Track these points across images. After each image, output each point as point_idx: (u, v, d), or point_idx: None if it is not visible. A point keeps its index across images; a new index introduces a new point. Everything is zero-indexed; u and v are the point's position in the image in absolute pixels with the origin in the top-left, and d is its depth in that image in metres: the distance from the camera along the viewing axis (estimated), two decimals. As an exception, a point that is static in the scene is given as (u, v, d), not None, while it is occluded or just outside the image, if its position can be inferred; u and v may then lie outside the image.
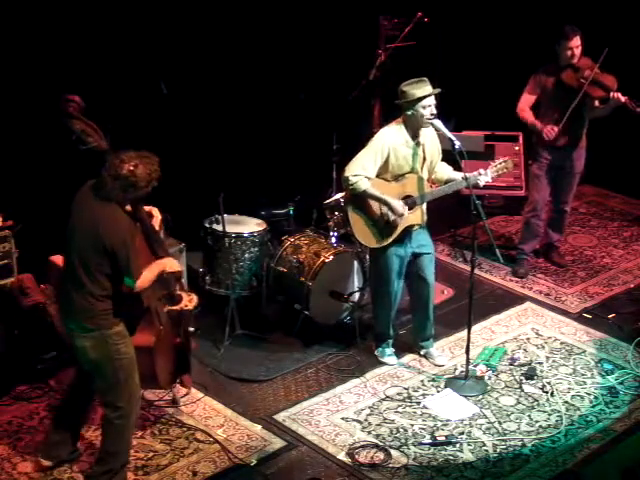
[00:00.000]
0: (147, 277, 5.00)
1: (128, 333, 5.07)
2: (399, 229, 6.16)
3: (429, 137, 6.18)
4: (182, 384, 5.90)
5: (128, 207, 4.98)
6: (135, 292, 4.97)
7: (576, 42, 7.12)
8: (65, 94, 5.10)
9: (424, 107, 5.96)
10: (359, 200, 6.14)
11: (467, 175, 6.08)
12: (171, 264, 5.22)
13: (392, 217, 6.11)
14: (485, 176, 6.21)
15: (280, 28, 7.94)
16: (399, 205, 6.08)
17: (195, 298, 5.57)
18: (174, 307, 5.49)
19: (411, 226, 6.21)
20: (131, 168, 4.78)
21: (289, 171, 7.87)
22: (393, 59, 7.56)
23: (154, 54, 7.24)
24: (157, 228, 5.34)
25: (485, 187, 6.39)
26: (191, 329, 5.71)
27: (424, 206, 6.26)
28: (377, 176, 6.08)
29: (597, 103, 7.29)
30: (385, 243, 6.19)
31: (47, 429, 5.55)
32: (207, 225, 6.84)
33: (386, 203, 6.07)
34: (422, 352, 6.61)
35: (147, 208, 5.34)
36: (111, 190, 4.81)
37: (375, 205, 6.12)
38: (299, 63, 8.07)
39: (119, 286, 4.93)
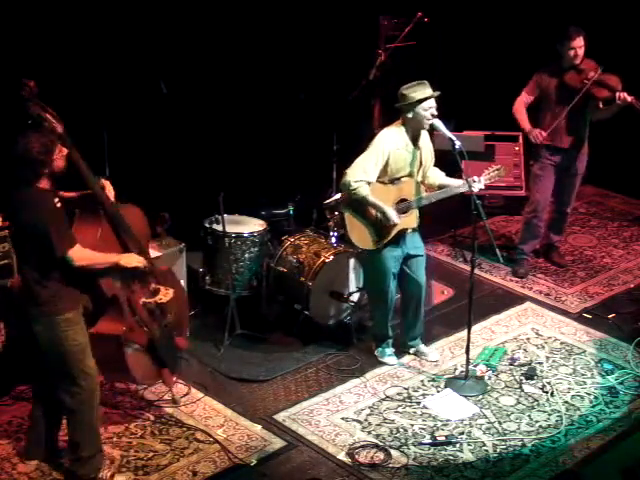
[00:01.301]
0: (89, 256, 5.02)
1: (83, 320, 5.12)
2: (394, 232, 6.17)
3: (424, 141, 6.20)
4: (164, 382, 5.88)
5: (45, 184, 4.95)
6: (82, 270, 4.98)
7: (579, 42, 7.11)
8: (22, 78, 5.13)
9: (424, 109, 5.98)
10: (355, 205, 6.14)
11: (466, 179, 6.09)
12: (127, 260, 5.22)
13: (385, 223, 6.13)
14: (479, 183, 6.22)
15: (280, 28, 7.94)
16: (393, 214, 6.09)
17: (171, 292, 5.59)
18: (149, 300, 5.51)
19: (405, 229, 6.22)
20: (24, 146, 4.83)
21: (289, 171, 7.86)
22: (393, 59, 7.56)
23: (154, 54, 7.24)
24: (112, 200, 5.32)
25: (485, 187, 6.39)
26: (167, 321, 5.72)
27: (417, 210, 6.27)
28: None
29: (601, 105, 7.28)
30: (380, 245, 6.19)
31: (28, 431, 5.56)
32: (207, 225, 6.83)
33: (381, 211, 6.08)
34: (412, 351, 6.62)
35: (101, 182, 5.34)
36: (19, 173, 4.87)
37: (371, 210, 6.13)
38: (299, 63, 8.07)
39: (63, 269, 4.95)
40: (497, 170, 6.35)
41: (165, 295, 5.58)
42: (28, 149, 4.82)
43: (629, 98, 7.10)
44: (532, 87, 7.37)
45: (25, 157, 4.83)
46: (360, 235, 6.20)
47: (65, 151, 5.00)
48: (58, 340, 5.03)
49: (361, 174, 6.01)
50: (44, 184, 4.93)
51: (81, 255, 4.98)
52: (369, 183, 6.03)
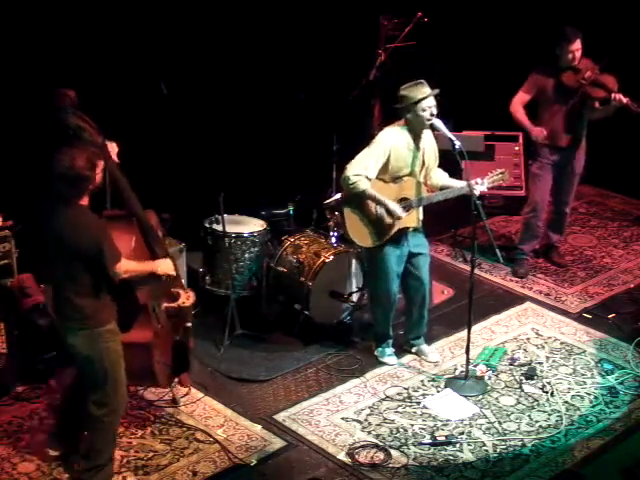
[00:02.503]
0: (133, 267, 5.00)
1: (120, 330, 5.09)
2: (393, 230, 6.17)
3: (428, 142, 6.20)
4: (180, 383, 5.90)
5: (86, 200, 4.89)
6: (122, 281, 4.95)
7: (577, 45, 7.12)
8: (60, 88, 5.10)
9: (424, 109, 5.98)
10: (356, 200, 6.14)
11: (468, 182, 6.09)
12: (164, 267, 5.20)
13: (388, 219, 6.12)
14: (481, 186, 6.23)
15: (280, 28, 7.94)
16: (397, 208, 6.09)
17: (192, 295, 5.59)
18: (172, 304, 5.49)
19: (406, 228, 6.23)
20: (68, 163, 4.73)
21: (289, 171, 7.86)
22: (393, 59, 7.56)
23: (154, 54, 7.24)
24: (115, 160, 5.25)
25: (487, 190, 6.39)
26: (188, 324, 5.72)
27: (420, 209, 6.27)
28: (375, 177, 6.09)
29: (597, 104, 7.29)
30: (379, 243, 6.19)
31: (54, 421, 5.57)
32: (207, 225, 6.84)
33: (384, 205, 6.08)
34: (413, 350, 6.63)
35: (109, 145, 5.22)
36: (62, 190, 4.78)
37: (372, 205, 6.13)
38: (299, 63, 8.07)
39: (107, 283, 4.93)
40: (501, 174, 6.34)
41: (187, 299, 5.55)
42: (72, 166, 4.71)
43: (624, 99, 7.11)
44: (529, 86, 7.36)
45: (69, 174, 4.72)
46: (359, 232, 6.20)
47: (102, 165, 4.93)
48: (99, 352, 4.98)
49: (361, 169, 6.02)
50: (85, 200, 4.86)
51: (126, 268, 4.94)
52: (369, 179, 6.03)
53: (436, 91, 6.01)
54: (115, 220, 5.28)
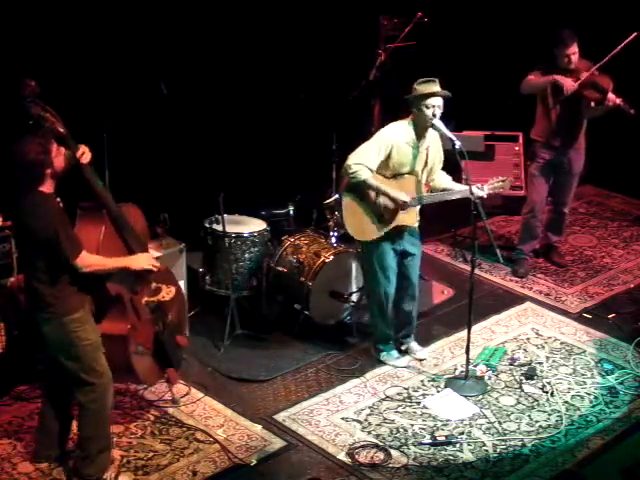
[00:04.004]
0: (98, 262, 5.02)
1: (92, 319, 5.11)
2: (391, 225, 6.17)
3: (433, 142, 6.20)
4: (168, 381, 5.88)
5: (48, 187, 4.92)
6: (84, 273, 4.96)
7: (574, 49, 7.14)
8: (24, 77, 5.11)
9: (428, 106, 5.98)
10: (356, 191, 6.14)
11: (470, 186, 6.08)
12: (139, 262, 5.20)
13: (388, 210, 6.11)
14: (481, 191, 6.22)
15: (280, 28, 7.95)
16: (400, 193, 6.08)
17: (173, 290, 5.59)
18: (152, 299, 5.50)
19: (404, 226, 6.23)
20: (20, 151, 4.81)
21: (289, 171, 7.87)
22: (393, 59, 7.57)
23: (154, 54, 7.24)
24: (86, 161, 5.18)
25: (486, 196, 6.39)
26: (169, 317, 5.72)
27: (417, 208, 6.27)
28: (376, 171, 6.09)
29: (592, 104, 7.30)
30: (375, 237, 6.19)
31: (34, 432, 5.57)
32: (207, 225, 6.84)
33: (386, 194, 6.08)
34: (403, 348, 6.62)
35: (82, 148, 5.19)
36: (22, 179, 4.86)
37: (372, 197, 6.13)
38: (299, 63, 8.07)
39: (67, 272, 4.94)
40: (502, 182, 6.34)
41: (168, 293, 5.57)
42: (23, 154, 4.80)
43: (617, 100, 7.15)
44: (535, 73, 7.30)
45: (22, 163, 4.81)
46: (357, 225, 6.19)
47: (63, 150, 4.97)
48: (69, 341, 5.01)
49: (362, 159, 6.03)
50: (47, 187, 4.90)
51: (89, 262, 4.95)
52: (370, 169, 6.04)
53: (445, 92, 6.01)
54: (86, 211, 5.28)
